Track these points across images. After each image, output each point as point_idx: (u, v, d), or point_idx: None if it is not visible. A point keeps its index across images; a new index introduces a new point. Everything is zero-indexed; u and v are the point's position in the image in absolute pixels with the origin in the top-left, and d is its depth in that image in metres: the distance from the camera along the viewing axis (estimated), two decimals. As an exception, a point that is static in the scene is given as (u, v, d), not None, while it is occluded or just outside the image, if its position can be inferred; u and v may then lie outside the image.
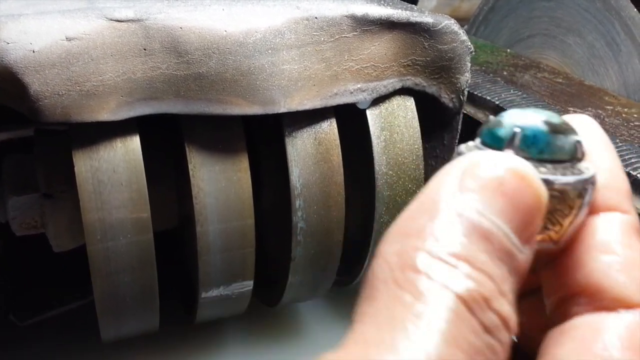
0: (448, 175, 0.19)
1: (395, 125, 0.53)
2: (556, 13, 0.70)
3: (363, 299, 0.17)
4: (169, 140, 0.53)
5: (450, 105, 0.53)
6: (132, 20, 0.41)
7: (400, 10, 0.48)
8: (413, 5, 0.51)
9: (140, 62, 0.42)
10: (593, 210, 0.21)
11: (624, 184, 0.22)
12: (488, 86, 0.58)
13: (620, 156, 0.48)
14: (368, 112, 0.51)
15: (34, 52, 0.38)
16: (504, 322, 0.17)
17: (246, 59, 0.43)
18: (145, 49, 0.42)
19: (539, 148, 0.20)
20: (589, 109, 0.58)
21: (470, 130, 0.57)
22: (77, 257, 0.53)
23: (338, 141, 0.50)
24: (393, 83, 0.51)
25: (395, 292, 0.16)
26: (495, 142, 0.21)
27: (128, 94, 0.42)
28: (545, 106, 0.59)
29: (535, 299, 0.23)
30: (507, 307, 0.17)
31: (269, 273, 0.56)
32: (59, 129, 0.51)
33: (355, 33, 0.47)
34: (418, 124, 0.53)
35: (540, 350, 0.20)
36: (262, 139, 0.53)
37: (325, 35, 0.46)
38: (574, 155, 0.21)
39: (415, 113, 0.53)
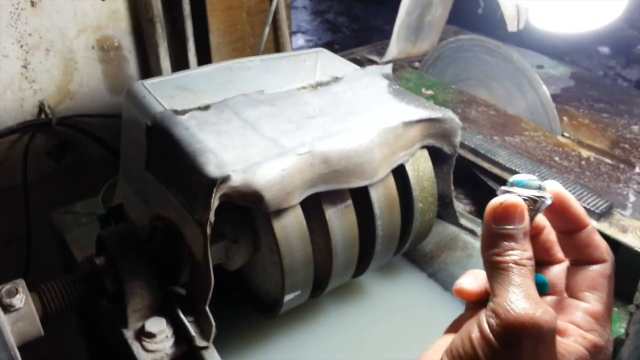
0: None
1: (420, 167, 0.92)
2: (484, 67, 1.11)
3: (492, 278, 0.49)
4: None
5: (449, 152, 0.93)
6: (307, 152, 0.77)
7: (425, 111, 0.87)
8: (426, 101, 0.90)
9: (309, 171, 0.78)
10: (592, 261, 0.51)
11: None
12: (462, 133, 0.98)
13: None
14: (406, 163, 0.90)
15: (268, 180, 0.74)
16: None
17: (359, 158, 0.81)
18: (311, 164, 0.78)
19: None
20: (516, 136, 1.00)
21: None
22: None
23: (394, 183, 0.89)
24: (418, 146, 0.90)
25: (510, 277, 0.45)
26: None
27: (302, 188, 0.78)
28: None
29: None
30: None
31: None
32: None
33: (404, 128, 0.86)
34: (431, 164, 0.93)
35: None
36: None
37: (390, 134, 0.84)
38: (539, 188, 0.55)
39: (429, 158, 0.93)
